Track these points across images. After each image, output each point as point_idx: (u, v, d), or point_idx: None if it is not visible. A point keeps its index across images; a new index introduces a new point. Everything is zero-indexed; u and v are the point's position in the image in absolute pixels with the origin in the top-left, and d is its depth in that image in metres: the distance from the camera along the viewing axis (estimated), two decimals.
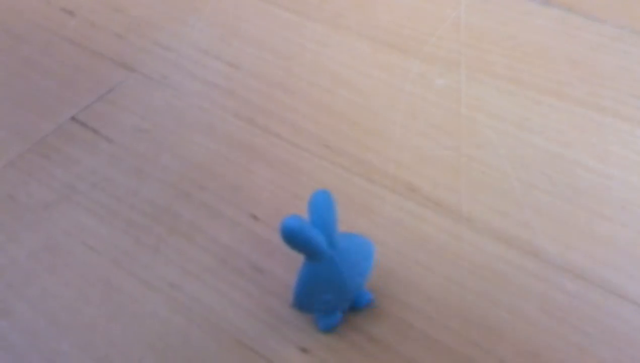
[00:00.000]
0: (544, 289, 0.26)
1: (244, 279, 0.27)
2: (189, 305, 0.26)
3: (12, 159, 0.32)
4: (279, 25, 0.40)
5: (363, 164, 0.31)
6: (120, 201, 0.30)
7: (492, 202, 0.29)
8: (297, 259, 0.23)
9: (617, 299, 0.26)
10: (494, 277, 0.26)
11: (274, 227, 0.28)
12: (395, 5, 0.41)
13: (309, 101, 0.35)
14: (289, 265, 0.27)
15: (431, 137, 0.32)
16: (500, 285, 0.26)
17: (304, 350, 0.24)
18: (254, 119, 0.34)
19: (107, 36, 0.39)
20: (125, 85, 0.36)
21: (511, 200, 0.29)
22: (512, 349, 0.24)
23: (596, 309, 0.25)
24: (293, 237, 0.21)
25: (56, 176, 0.31)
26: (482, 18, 0.40)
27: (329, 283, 0.22)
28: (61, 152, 0.32)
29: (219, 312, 0.25)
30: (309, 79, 0.36)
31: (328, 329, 0.24)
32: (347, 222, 0.28)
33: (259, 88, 0.36)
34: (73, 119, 0.34)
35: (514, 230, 0.28)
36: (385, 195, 0.30)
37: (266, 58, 0.37)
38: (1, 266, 0.27)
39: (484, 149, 0.32)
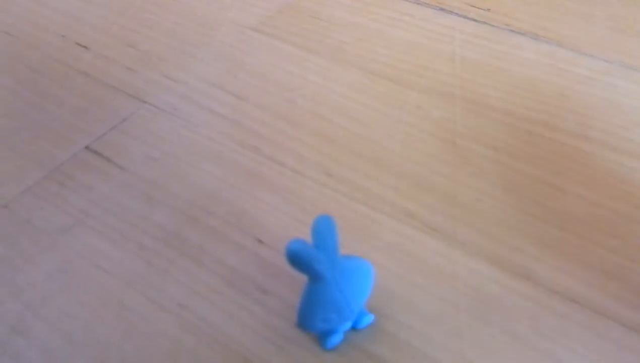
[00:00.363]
0: (534, 310, 0.27)
1: (250, 300, 0.28)
2: (198, 325, 0.27)
3: (30, 186, 0.34)
4: (282, 58, 0.42)
5: (363, 190, 0.33)
6: (132, 226, 0.31)
7: (485, 228, 0.31)
8: (301, 281, 0.25)
9: (606, 320, 0.27)
10: (487, 298, 0.28)
11: (279, 250, 0.30)
12: (394, 40, 0.43)
13: (312, 131, 0.36)
14: (293, 287, 0.28)
15: (427, 166, 0.34)
16: (493, 305, 0.27)
17: None
18: (259, 148, 0.35)
19: (120, 69, 0.41)
20: (136, 116, 0.38)
21: (503, 226, 0.31)
22: None
23: (585, 329, 0.27)
24: (297, 259, 0.22)
25: (71, 202, 0.33)
26: (475, 52, 0.42)
27: (332, 303, 0.24)
28: (76, 180, 0.34)
29: (227, 331, 0.27)
30: (311, 110, 0.38)
31: (331, 348, 0.26)
32: (348, 246, 0.29)
33: (263, 119, 0.37)
34: (87, 148, 0.36)
35: (506, 254, 0.30)
36: (384, 220, 0.31)
37: (270, 90, 0.39)
38: (19, 287, 0.29)
39: (477, 177, 0.33)
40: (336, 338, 0.26)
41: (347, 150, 0.35)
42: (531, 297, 0.28)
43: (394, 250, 0.30)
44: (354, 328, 0.26)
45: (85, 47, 0.43)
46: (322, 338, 0.26)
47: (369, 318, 0.26)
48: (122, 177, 0.34)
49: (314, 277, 0.23)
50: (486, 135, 0.36)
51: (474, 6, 0.46)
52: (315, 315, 0.24)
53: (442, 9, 0.46)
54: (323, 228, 0.23)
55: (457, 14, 0.45)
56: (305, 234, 0.30)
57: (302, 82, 0.40)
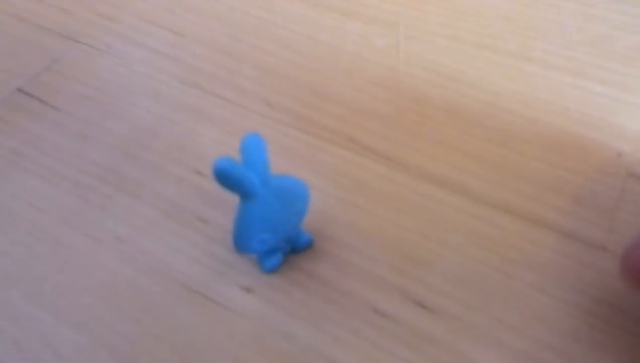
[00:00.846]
0: (473, 224, 0.27)
1: (190, 230, 0.28)
2: (136, 256, 0.27)
3: None
4: None
5: (304, 119, 0.32)
6: (67, 164, 0.30)
7: (426, 149, 0.31)
8: None
9: (543, 229, 0.27)
10: (426, 214, 0.28)
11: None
12: None
13: (253, 65, 0.36)
14: (233, 215, 0.28)
15: (370, 93, 0.34)
16: (432, 221, 0.28)
17: (248, 290, 0.25)
18: (200, 84, 0.35)
19: (53, 11, 0.40)
20: (70, 56, 0.36)
21: (444, 146, 0.31)
22: (441, 276, 0.25)
23: (521, 239, 0.27)
24: (225, 176, 0.21)
25: (3, 143, 0.31)
26: None
27: (265, 222, 0.23)
28: (7, 122, 0.33)
29: (166, 261, 0.26)
30: (253, 44, 0.37)
31: (271, 270, 0.26)
32: (287, 171, 0.29)
33: (204, 54, 0.36)
34: (19, 90, 0.34)
35: (447, 172, 0.30)
36: (326, 147, 0.31)
37: (210, 26, 0.38)
38: None
39: (419, 102, 0.33)
40: (275, 260, 0.26)
41: (289, 82, 0.35)
42: (470, 212, 0.28)
43: (337, 175, 0.30)
44: (294, 250, 0.26)
45: None
46: (261, 260, 0.26)
47: (309, 240, 0.26)
48: (56, 117, 0.33)
49: (245, 195, 0.23)
50: (429, 60, 0.36)
51: None
52: (249, 235, 0.24)
53: None
54: (251, 146, 0.22)
55: None
56: None
57: (244, 17, 0.39)
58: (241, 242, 0.24)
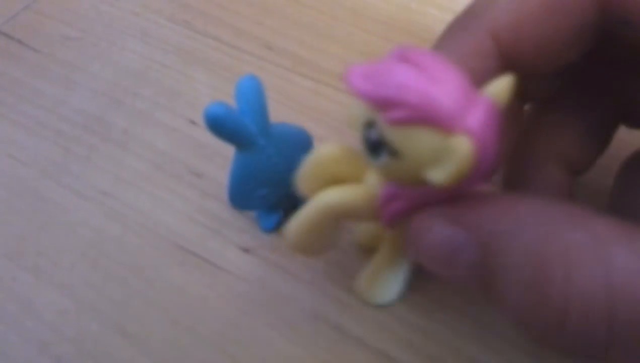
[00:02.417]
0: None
1: (182, 184, 0.25)
2: (124, 212, 0.24)
3: None
4: None
5: (307, 63, 0.30)
6: (49, 112, 0.28)
7: None
8: None
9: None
10: None
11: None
12: None
13: (251, 2, 0.33)
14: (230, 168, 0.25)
15: (379, 34, 0.31)
16: None
17: (245, 250, 0.23)
18: (191, 23, 0.32)
19: None
20: None
21: None
22: None
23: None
24: (218, 124, 0.19)
25: None
26: None
27: (264, 175, 0.21)
28: None
29: (156, 218, 0.24)
30: None
31: (269, 229, 0.24)
32: (289, 121, 0.26)
33: None
34: None
35: None
36: (330, 94, 0.28)
37: None
38: None
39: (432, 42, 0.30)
40: (275, 219, 0.23)
41: (289, 22, 0.32)
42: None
43: (342, 123, 0.27)
44: (295, 207, 0.24)
45: None
46: (260, 218, 0.24)
47: None
48: (37, 60, 0.30)
49: (241, 145, 0.20)
50: None
51: None
52: (246, 190, 0.21)
53: None
54: (247, 90, 0.20)
55: None
56: None
57: None
58: (237, 198, 0.22)
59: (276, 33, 0.31)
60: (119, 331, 0.21)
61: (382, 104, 0.14)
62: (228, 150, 0.21)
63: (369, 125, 0.15)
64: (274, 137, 0.21)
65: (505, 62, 0.17)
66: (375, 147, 0.15)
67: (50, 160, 0.26)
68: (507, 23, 0.17)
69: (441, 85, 0.14)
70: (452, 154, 0.14)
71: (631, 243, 0.12)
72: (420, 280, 0.22)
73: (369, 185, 0.17)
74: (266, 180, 0.21)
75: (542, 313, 0.13)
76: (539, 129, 0.21)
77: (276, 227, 0.24)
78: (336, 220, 0.19)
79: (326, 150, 0.18)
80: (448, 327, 0.21)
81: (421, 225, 0.16)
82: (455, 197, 0.15)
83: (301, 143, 0.22)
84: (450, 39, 0.18)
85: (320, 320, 0.21)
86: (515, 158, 0.21)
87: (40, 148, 0.27)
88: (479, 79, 0.15)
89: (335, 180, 0.18)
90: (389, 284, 0.21)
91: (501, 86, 0.14)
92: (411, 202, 0.16)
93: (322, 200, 0.18)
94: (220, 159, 0.26)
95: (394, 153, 0.15)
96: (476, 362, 0.20)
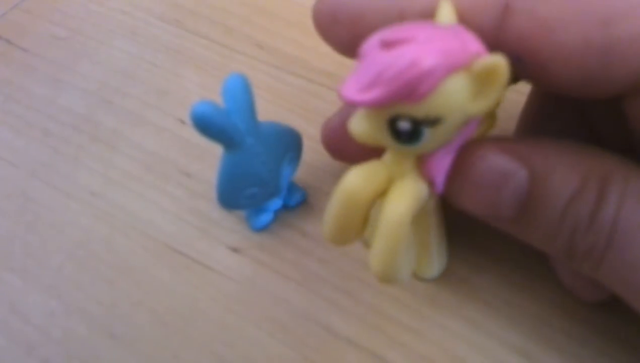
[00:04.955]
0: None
1: (172, 184, 0.25)
2: (113, 213, 0.24)
3: None
4: None
5: (299, 62, 0.29)
6: (37, 111, 0.28)
7: None
8: None
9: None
10: None
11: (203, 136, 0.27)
12: None
13: (241, 1, 0.32)
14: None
15: None
16: None
17: (235, 250, 0.23)
18: (181, 22, 0.31)
19: None
20: None
21: None
22: None
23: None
24: (205, 123, 0.19)
25: None
26: None
27: (252, 174, 0.21)
28: None
29: (146, 218, 0.24)
30: None
31: (260, 228, 0.23)
32: (280, 120, 0.26)
33: None
34: None
35: None
36: (322, 92, 0.28)
37: None
38: None
39: None
40: (265, 218, 0.23)
41: (280, 20, 0.31)
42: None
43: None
44: (285, 206, 0.24)
45: None
46: (249, 218, 0.23)
47: (301, 195, 0.24)
48: (25, 60, 0.30)
49: (228, 144, 0.20)
50: None
51: None
52: (234, 190, 0.21)
53: None
54: (234, 89, 0.20)
55: None
56: None
57: None
58: (226, 198, 0.21)
59: (267, 32, 0.31)
60: (107, 333, 0.21)
61: (404, 93, 0.14)
62: (218, 150, 0.21)
63: (394, 121, 0.15)
64: (262, 136, 0.21)
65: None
66: (412, 133, 0.15)
67: (38, 160, 0.26)
68: None
69: (431, 39, 0.14)
70: (491, 75, 0.14)
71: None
72: (412, 280, 0.21)
73: (409, 172, 0.17)
74: (255, 179, 0.21)
75: (577, 221, 0.16)
76: None
77: (266, 227, 0.23)
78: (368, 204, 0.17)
79: (351, 182, 0.16)
80: (439, 326, 0.21)
81: (475, 153, 0.16)
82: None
83: (290, 142, 0.22)
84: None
85: (310, 320, 0.21)
86: None
87: (28, 148, 0.26)
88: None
89: (371, 205, 0.17)
90: (439, 256, 0.21)
91: (446, 11, 0.16)
92: (453, 152, 0.16)
93: (394, 221, 0.16)
94: (210, 159, 0.26)
95: (435, 122, 0.15)
96: (467, 362, 0.20)
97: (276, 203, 0.23)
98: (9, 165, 0.26)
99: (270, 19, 0.31)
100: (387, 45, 0.14)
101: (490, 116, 0.19)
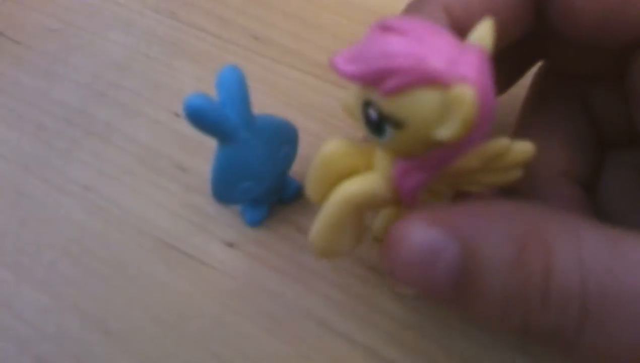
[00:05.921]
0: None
1: (166, 178, 0.25)
2: (106, 208, 0.24)
3: None
4: None
5: (294, 54, 0.29)
6: (29, 105, 0.27)
7: None
8: None
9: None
10: None
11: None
12: None
13: None
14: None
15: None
16: None
17: (230, 244, 0.23)
18: (176, 13, 0.31)
19: None
20: None
21: None
22: None
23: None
24: (198, 116, 0.19)
25: None
26: None
27: (247, 169, 0.21)
28: None
29: (139, 213, 0.24)
30: None
31: (255, 223, 0.23)
32: (275, 113, 0.26)
33: None
34: None
35: None
36: (318, 85, 0.28)
37: None
38: None
39: None
40: (260, 213, 0.23)
41: (276, 11, 0.31)
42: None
43: (329, 116, 0.27)
44: (281, 200, 0.23)
45: None
46: (245, 213, 0.23)
47: (297, 189, 0.23)
48: (18, 53, 0.29)
49: (223, 138, 0.20)
50: None
51: None
52: (228, 184, 0.21)
53: None
54: (228, 81, 0.19)
55: None
56: None
57: None
58: (220, 192, 0.21)
59: (262, 23, 0.30)
60: (100, 329, 0.21)
61: (374, 78, 0.14)
62: (213, 143, 0.20)
63: (367, 105, 0.15)
64: (258, 130, 0.20)
65: (458, 35, 0.18)
66: (378, 125, 0.15)
67: (31, 154, 0.26)
68: None
69: (428, 43, 0.14)
70: (455, 104, 0.13)
71: (596, 229, 0.14)
72: None
73: (381, 170, 0.17)
74: (249, 173, 0.21)
75: (524, 298, 0.14)
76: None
77: (261, 221, 0.23)
78: (358, 213, 0.18)
79: (330, 147, 0.17)
80: (436, 322, 0.21)
81: (401, 232, 0.15)
82: (466, 153, 0.15)
83: (286, 136, 0.21)
84: (407, 14, 0.19)
85: (306, 316, 0.21)
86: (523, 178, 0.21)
87: (21, 142, 0.26)
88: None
89: (345, 178, 0.17)
90: None
91: (482, 31, 0.14)
92: (427, 171, 0.16)
93: (340, 195, 0.17)
94: (205, 152, 0.25)
95: (398, 125, 0.14)
96: (465, 357, 0.20)
97: (271, 197, 0.23)
98: (0, 159, 0.25)
99: (266, 10, 0.31)
100: (386, 30, 0.14)
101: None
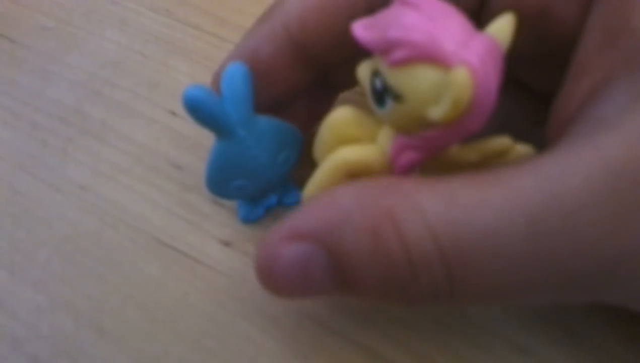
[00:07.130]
0: None
1: (162, 177, 0.25)
2: (102, 206, 0.24)
3: None
4: None
5: None
6: (24, 103, 0.27)
7: None
8: None
9: None
10: None
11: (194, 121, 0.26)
12: None
13: None
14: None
15: None
16: None
17: (226, 243, 0.23)
18: (172, 11, 0.31)
19: None
20: None
21: None
22: None
23: None
24: (196, 107, 0.18)
25: None
26: None
27: (240, 166, 0.20)
28: None
29: (135, 212, 0.24)
30: None
31: (248, 220, 0.23)
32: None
33: None
34: None
35: None
36: None
37: None
38: None
39: None
40: (254, 212, 0.23)
41: None
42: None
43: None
44: (280, 204, 0.23)
45: None
46: (239, 208, 0.23)
47: (298, 194, 0.23)
48: (12, 51, 0.29)
49: (219, 132, 0.19)
50: None
51: None
52: (223, 177, 0.21)
53: None
54: (234, 77, 0.19)
55: None
56: None
57: None
58: (213, 185, 0.21)
59: None
60: (95, 328, 0.21)
61: (385, 47, 0.14)
62: (209, 142, 0.20)
63: (375, 75, 0.15)
64: (257, 130, 0.20)
65: (298, 49, 0.19)
66: (381, 94, 0.15)
67: (26, 153, 0.25)
68: (295, 14, 0.19)
69: (440, 23, 0.14)
70: (449, 86, 0.14)
71: (431, 189, 0.14)
72: None
73: (381, 143, 0.17)
74: (243, 171, 0.21)
75: (395, 275, 0.14)
76: None
77: (254, 220, 0.23)
78: (350, 179, 0.18)
79: (339, 113, 0.18)
80: (433, 321, 0.21)
81: (269, 254, 0.16)
82: (463, 139, 0.15)
83: (287, 140, 0.21)
84: (252, 29, 0.21)
85: (302, 315, 0.21)
86: None
87: (16, 141, 0.26)
88: (272, 62, 0.20)
89: (349, 143, 0.18)
90: None
91: (502, 24, 0.14)
92: (421, 151, 0.16)
93: (336, 158, 0.17)
94: (201, 151, 0.25)
95: (397, 97, 0.15)
96: (461, 356, 0.20)
97: (270, 200, 0.23)
98: None
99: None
100: (407, 4, 0.15)
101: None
